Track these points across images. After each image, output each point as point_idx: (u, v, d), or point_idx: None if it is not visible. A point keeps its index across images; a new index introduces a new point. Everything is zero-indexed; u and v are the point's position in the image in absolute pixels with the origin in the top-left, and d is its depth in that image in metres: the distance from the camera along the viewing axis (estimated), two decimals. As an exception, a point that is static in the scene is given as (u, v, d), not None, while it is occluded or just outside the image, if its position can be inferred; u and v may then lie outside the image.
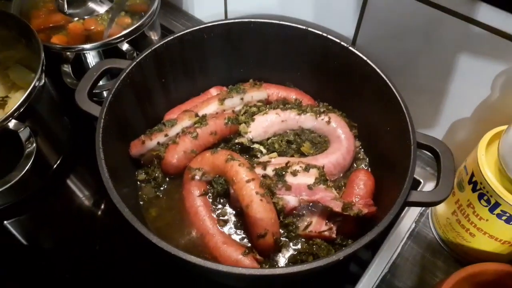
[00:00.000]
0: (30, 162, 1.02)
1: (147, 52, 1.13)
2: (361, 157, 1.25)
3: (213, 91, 1.32)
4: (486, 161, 0.98)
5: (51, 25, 1.40)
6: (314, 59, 1.25)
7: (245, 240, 1.09)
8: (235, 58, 1.31)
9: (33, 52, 1.22)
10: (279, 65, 1.32)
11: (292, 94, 1.32)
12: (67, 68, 1.26)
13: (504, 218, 0.98)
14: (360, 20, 1.26)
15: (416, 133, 1.01)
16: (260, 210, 1.01)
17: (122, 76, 1.07)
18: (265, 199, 1.02)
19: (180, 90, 1.30)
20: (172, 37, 1.16)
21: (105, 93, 1.28)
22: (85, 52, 1.26)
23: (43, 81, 1.16)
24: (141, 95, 1.16)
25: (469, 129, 1.22)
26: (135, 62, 1.10)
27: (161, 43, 1.15)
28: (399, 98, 1.04)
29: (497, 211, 0.98)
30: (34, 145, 1.04)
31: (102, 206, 1.31)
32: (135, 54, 1.31)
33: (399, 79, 1.11)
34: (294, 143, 1.21)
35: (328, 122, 1.21)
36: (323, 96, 1.33)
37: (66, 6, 1.30)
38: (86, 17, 1.36)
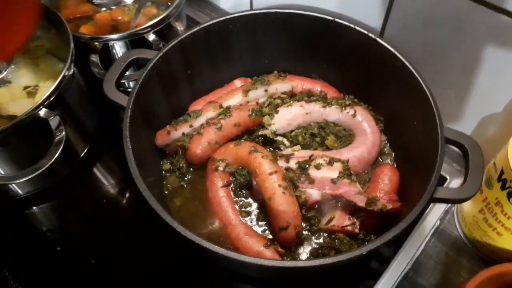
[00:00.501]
0: (60, 150, 1.04)
1: (173, 43, 1.13)
2: (386, 152, 1.23)
3: (238, 82, 1.32)
4: (517, 158, 0.96)
5: (79, 15, 1.42)
6: (340, 51, 1.23)
7: (267, 232, 1.09)
8: (260, 49, 1.30)
9: (63, 42, 1.25)
10: (304, 56, 1.31)
11: (317, 86, 1.30)
12: (95, 58, 1.28)
13: (534, 217, 0.96)
14: (388, 11, 1.23)
15: (444, 128, 0.99)
16: (283, 202, 1.01)
17: (149, 67, 1.09)
18: (288, 191, 1.02)
19: (205, 81, 1.30)
20: (198, 28, 1.16)
21: (131, 83, 1.31)
22: (112, 42, 1.28)
23: (72, 70, 1.18)
24: (167, 86, 1.17)
25: (499, 125, 1.19)
26: (162, 53, 1.11)
27: (188, 34, 1.15)
28: (427, 92, 1.02)
29: (527, 209, 0.96)
30: (64, 133, 1.07)
31: (127, 195, 1.33)
32: (161, 45, 1.32)
33: (427, 72, 1.08)
34: (318, 136, 1.21)
35: (354, 115, 1.20)
36: (348, 89, 1.31)
37: (94, -4, 1.31)
38: (113, 7, 1.38)
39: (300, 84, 1.31)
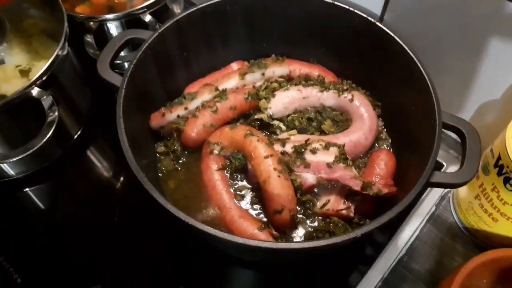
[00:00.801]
0: (52, 130, 1.03)
1: (169, 23, 1.11)
2: (383, 137, 1.22)
3: (234, 65, 1.31)
4: (514, 144, 0.95)
5: (75, -5, 1.40)
6: (339, 35, 1.22)
7: (262, 215, 1.09)
8: (258, 32, 1.28)
9: (57, 21, 1.23)
10: (302, 40, 1.29)
11: (315, 71, 1.29)
12: (90, 38, 1.26)
13: (530, 203, 0.95)
14: (388, -4, 1.22)
15: (442, 112, 0.98)
16: (277, 186, 1.00)
17: (144, 47, 1.07)
18: (283, 175, 1.01)
19: (201, 63, 1.29)
20: (194, 9, 1.14)
21: (126, 65, 1.29)
22: (108, 22, 1.26)
23: (66, 50, 1.16)
24: (162, 67, 1.16)
25: (497, 112, 1.18)
26: (157, 33, 1.09)
27: (184, 14, 1.13)
28: (426, 76, 1.01)
29: (523, 196, 0.95)
30: (56, 113, 1.06)
31: (121, 178, 1.32)
32: (157, 26, 1.30)
33: (427, 57, 1.07)
34: (314, 121, 1.19)
35: (351, 100, 1.19)
36: (347, 74, 1.30)
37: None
38: None
39: (297, 68, 1.29)
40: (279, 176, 1.01)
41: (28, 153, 0.99)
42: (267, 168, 1.02)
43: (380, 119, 1.23)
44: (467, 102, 1.24)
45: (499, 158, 0.98)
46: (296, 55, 1.33)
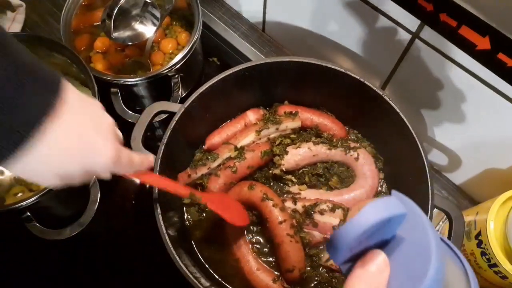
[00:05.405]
0: (96, 206, 1.15)
1: (193, 97, 1.21)
2: (383, 191, 1.37)
3: (250, 114, 1.40)
4: (494, 228, 1.10)
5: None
6: (349, 96, 1.31)
7: (274, 263, 1.27)
8: (272, 85, 1.37)
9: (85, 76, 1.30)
10: (314, 92, 1.39)
11: (325, 121, 1.39)
12: (115, 93, 1.33)
13: (500, 275, 1.14)
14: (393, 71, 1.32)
15: (435, 195, 1.13)
16: (290, 249, 1.18)
17: (172, 126, 1.18)
18: (295, 239, 1.19)
19: (219, 114, 1.40)
20: (216, 80, 1.23)
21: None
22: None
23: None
24: (187, 133, 1.27)
25: (500, 180, 1.30)
26: (183, 110, 1.19)
27: (207, 86, 1.23)
28: (426, 166, 1.14)
29: (495, 269, 1.13)
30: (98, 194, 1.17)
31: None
32: (178, 77, 1.37)
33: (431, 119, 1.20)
34: (323, 177, 1.34)
35: (356, 159, 1.32)
36: (354, 124, 1.42)
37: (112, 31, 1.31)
38: (129, 43, 1.38)
39: (309, 118, 1.40)
40: (291, 240, 1.18)
41: (79, 230, 1.13)
42: (281, 233, 1.19)
43: (381, 171, 1.37)
44: (472, 165, 1.37)
45: (479, 234, 1.15)
46: (307, 100, 1.42)
